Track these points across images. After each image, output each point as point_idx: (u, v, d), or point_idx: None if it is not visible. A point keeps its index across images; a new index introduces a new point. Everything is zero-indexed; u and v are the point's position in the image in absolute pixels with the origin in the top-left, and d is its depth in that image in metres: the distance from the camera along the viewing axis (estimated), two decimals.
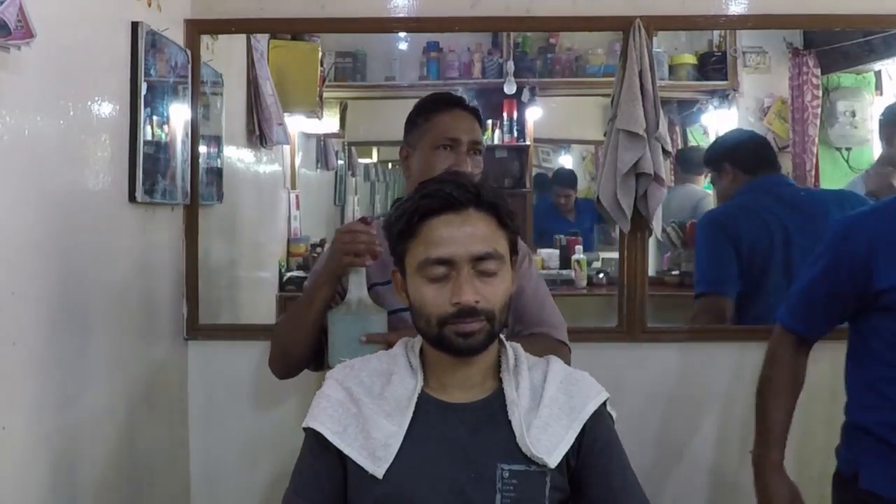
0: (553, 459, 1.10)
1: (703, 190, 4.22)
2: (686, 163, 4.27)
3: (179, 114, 1.95)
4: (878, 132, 2.54)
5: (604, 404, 1.19)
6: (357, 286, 1.48)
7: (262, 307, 3.29)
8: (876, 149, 3.77)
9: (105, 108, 1.61)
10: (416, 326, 1.16)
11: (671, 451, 2.10)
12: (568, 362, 1.45)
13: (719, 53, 4.07)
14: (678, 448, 2.11)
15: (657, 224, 2.14)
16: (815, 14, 2.11)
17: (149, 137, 1.77)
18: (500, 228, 1.15)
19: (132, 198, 1.72)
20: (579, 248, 3.92)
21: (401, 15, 2.10)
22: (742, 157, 2.34)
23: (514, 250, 1.18)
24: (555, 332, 1.58)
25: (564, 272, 3.92)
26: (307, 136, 4.12)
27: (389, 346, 1.31)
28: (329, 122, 4.04)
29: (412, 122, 1.64)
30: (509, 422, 1.13)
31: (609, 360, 1.97)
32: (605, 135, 2.16)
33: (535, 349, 1.31)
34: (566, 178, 4.54)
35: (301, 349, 1.55)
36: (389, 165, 5.12)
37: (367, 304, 1.49)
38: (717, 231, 2.28)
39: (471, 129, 1.60)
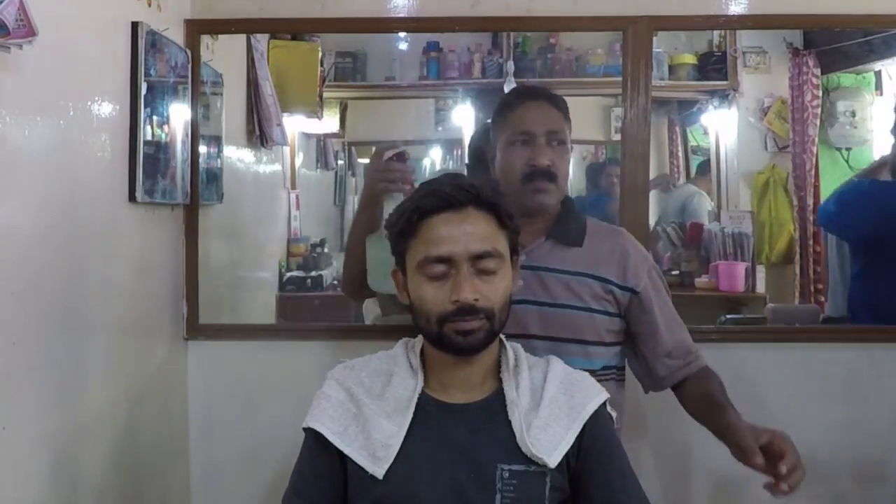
0: (553, 459, 1.10)
1: (697, 189, 4.27)
2: (700, 165, 4.39)
3: (179, 114, 1.95)
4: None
5: (604, 405, 1.19)
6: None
7: (262, 307, 3.29)
8: (876, 149, 3.77)
9: (105, 108, 1.61)
10: (416, 325, 1.16)
11: (671, 451, 2.10)
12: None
13: (719, 53, 4.08)
14: (678, 448, 2.11)
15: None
16: (815, 14, 2.11)
17: (149, 137, 1.77)
18: (500, 228, 1.15)
19: (132, 198, 1.71)
20: None
21: (401, 15, 2.10)
22: None
23: (514, 250, 1.18)
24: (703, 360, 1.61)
25: None
26: (307, 136, 4.12)
27: None
28: (329, 122, 4.04)
29: (492, 124, 1.62)
30: (509, 422, 1.13)
31: None
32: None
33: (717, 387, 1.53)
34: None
35: (354, 271, 1.65)
36: None
37: None
38: None
39: (545, 119, 1.51)
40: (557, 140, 1.51)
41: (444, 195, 1.12)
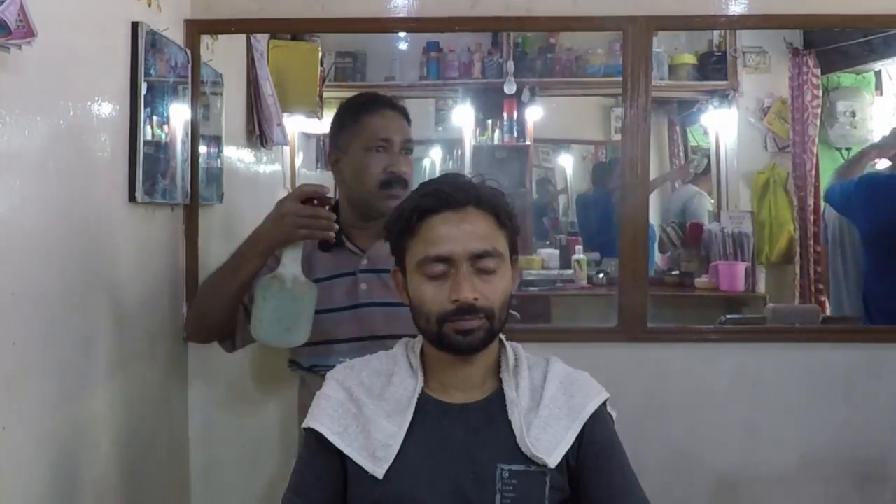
0: (553, 459, 1.10)
1: (698, 190, 4.30)
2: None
3: (179, 114, 1.95)
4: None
5: (604, 404, 1.19)
6: (294, 261, 1.45)
7: None
8: None
9: (105, 108, 1.61)
10: (416, 325, 1.16)
11: (671, 451, 2.10)
12: None
13: (719, 53, 4.08)
14: (678, 448, 2.11)
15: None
16: (815, 14, 2.11)
17: (149, 137, 1.77)
18: (500, 227, 1.15)
19: (132, 198, 1.71)
20: (579, 248, 3.94)
21: (401, 15, 2.10)
22: None
23: (514, 249, 1.18)
24: None
25: (565, 272, 3.92)
26: (307, 136, 4.12)
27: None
28: (329, 122, 4.03)
29: (340, 125, 1.64)
30: (509, 422, 1.13)
31: (609, 360, 1.97)
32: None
33: None
34: None
35: (216, 316, 1.56)
36: None
37: (302, 281, 1.46)
38: None
39: (402, 129, 1.60)
40: (408, 149, 1.61)
41: (444, 195, 1.12)
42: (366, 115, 1.59)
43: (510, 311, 1.19)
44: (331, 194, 1.47)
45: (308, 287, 1.46)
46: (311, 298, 1.46)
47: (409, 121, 1.64)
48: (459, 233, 1.11)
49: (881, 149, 2.82)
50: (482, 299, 1.10)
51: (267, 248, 1.48)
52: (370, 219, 1.59)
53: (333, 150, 1.64)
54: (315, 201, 1.43)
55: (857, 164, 2.83)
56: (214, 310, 1.56)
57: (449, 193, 1.12)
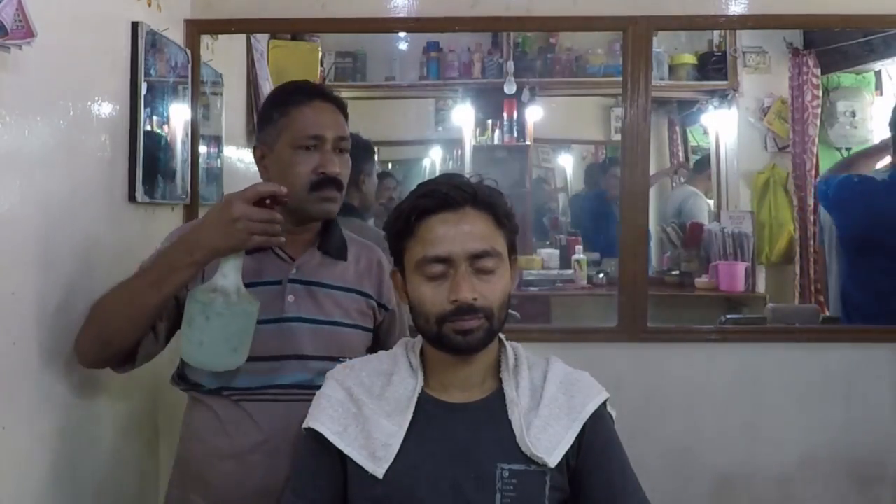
0: (553, 459, 1.10)
1: (694, 190, 4.30)
2: (697, 164, 4.41)
3: (179, 114, 1.95)
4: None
5: (604, 404, 1.19)
6: (236, 270, 1.26)
7: None
8: None
9: (105, 108, 1.61)
10: (415, 325, 1.16)
11: (671, 451, 2.10)
12: None
13: (719, 53, 4.08)
14: (678, 448, 2.11)
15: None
16: (815, 14, 2.11)
17: (149, 137, 1.77)
18: (498, 227, 1.15)
19: (132, 198, 1.71)
20: (579, 248, 3.94)
21: (401, 15, 2.10)
22: None
23: (513, 249, 1.18)
24: None
25: (565, 272, 3.93)
26: None
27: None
28: None
29: (266, 118, 1.42)
30: (509, 422, 1.13)
31: (609, 360, 1.97)
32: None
33: None
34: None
35: (127, 336, 1.31)
36: (389, 165, 5.13)
37: (244, 293, 1.27)
38: None
39: (336, 124, 1.40)
40: (342, 148, 1.41)
41: (442, 195, 1.12)
42: (295, 108, 1.38)
43: (510, 310, 1.18)
44: (285, 191, 1.27)
45: (253, 299, 1.29)
46: (256, 312, 1.29)
47: (345, 115, 1.43)
48: (458, 233, 1.11)
49: (869, 155, 2.82)
50: (481, 299, 1.10)
51: (206, 256, 1.25)
52: (301, 223, 1.41)
53: (259, 146, 1.42)
54: (267, 202, 1.25)
55: (846, 170, 2.83)
56: (125, 330, 1.30)
57: (447, 194, 1.12)
